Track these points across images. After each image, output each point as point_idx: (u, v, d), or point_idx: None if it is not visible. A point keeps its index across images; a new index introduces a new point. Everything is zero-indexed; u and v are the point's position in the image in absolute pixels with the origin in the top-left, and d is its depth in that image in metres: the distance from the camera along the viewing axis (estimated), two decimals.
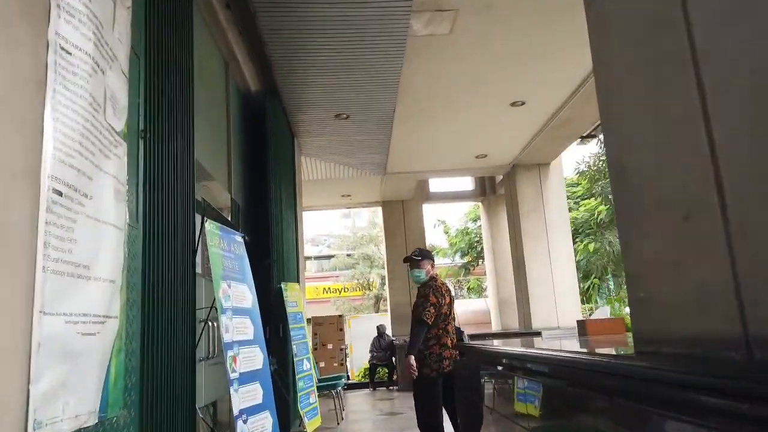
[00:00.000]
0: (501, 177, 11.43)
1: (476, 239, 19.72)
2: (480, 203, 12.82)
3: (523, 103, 7.18)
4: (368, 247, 23.93)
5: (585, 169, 10.28)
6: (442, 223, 22.03)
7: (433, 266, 4.48)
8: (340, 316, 10.35)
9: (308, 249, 34.09)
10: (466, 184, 12.55)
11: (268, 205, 6.00)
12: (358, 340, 13.78)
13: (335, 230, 30.62)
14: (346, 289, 24.91)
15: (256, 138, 6.25)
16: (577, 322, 3.43)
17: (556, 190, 9.97)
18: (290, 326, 5.07)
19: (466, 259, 20.09)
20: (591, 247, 13.67)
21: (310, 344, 5.93)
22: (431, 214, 25.29)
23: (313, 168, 9.35)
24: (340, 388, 6.90)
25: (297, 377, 5.00)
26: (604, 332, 3.28)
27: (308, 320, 9.86)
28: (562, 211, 9.98)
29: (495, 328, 12.53)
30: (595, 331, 3.26)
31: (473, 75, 6.36)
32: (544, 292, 9.61)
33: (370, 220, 25.64)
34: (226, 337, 2.67)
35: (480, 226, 19.38)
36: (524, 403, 2.16)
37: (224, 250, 2.86)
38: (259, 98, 6.17)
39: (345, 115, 7.06)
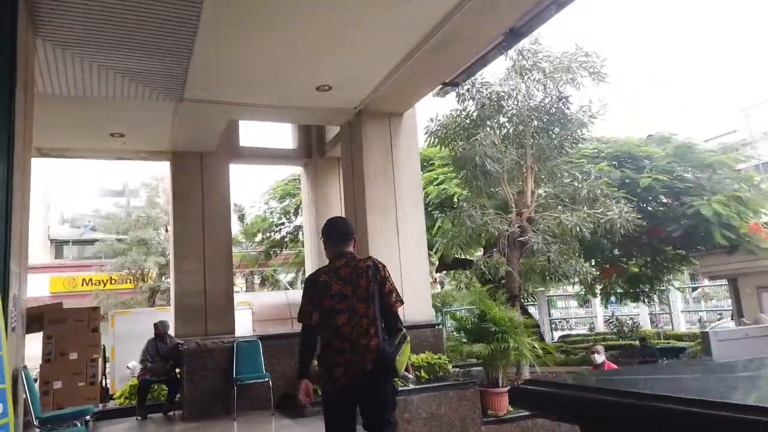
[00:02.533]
0: (334, 135, 9.02)
1: (280, 221, 16.91)
2: (303, 168, 10.19)
3: None
4: (146, 230, 19.81)
5: (437, 128, 8.39)
6: (238, 208, 18.87)
7: (326, 246, 3.41)
8: (94, 308, 6.82)
9: (65, 231, 27.88)
10: (287, 141, 9.87)
11: None
12: (127, 344, 10.13)
13: (104, 208, 25.10)
14: (112, 281, 20.55)
15: None
16: None
17: (409, 150, 7.88)
18: None
19: (266, 245, 17.20)
20: None
21: (7, 364, 2.78)
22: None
23: (59, 72, 5.80)
24: None
25: None
26: None
27: (37, 318, 6.23)
28: (414, 176, 7.93)
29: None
30: None
31: None
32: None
33: (150, 199, 21.30)
34: None
35: (287, 204, 16.64)
36: None
37: None
38: None
39: None
